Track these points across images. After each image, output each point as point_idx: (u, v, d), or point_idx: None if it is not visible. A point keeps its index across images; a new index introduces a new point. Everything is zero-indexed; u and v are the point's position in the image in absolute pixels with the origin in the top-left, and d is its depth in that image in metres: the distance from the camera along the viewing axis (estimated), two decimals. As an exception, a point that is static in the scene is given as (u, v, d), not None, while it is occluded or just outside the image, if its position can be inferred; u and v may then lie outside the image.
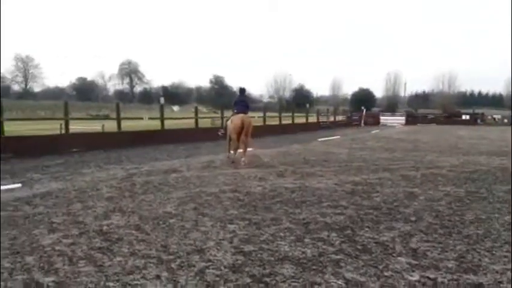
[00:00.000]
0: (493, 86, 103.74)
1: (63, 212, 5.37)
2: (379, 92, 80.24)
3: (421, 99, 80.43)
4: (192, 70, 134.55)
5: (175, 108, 71.88)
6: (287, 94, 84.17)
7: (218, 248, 4.01)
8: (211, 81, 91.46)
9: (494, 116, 47.05)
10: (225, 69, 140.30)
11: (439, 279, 3.25)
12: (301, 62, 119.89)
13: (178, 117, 24.94)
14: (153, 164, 10.20)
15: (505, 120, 44.51)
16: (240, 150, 10.46)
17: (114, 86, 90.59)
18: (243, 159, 10.09)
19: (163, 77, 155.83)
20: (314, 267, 3.52)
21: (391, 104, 69.43)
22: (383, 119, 44.82)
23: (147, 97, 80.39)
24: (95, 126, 22.05)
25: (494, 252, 3.88)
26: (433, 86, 79.63)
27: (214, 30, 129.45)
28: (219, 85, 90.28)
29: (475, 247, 4.02)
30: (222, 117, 24.12)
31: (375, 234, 4.46)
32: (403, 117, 45.54)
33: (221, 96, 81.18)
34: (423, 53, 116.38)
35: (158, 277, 3.33)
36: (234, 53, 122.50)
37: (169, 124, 19.83)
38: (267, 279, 3.26)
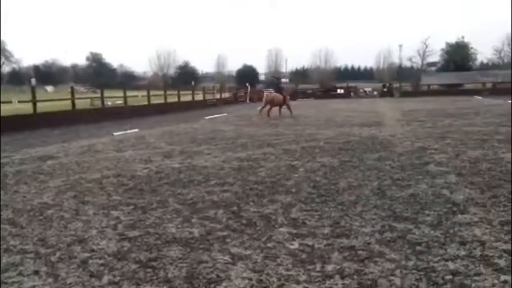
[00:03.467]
0: (365, 61, 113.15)
1: None
2: (262, 69, 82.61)
3: (301, 74, 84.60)
4: (66, 47, 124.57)
5: (49, 88, 66.48)
6: (171, 71, 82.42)
7: (101, 236, 3.86)
8: (88, 59, 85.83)
9: (366, 89, 51.60)
10: (103, 45, 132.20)
11: (316, 245, 3.52)
12: (185, 39, 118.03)
13: (53, 99, 23.10)
14: (26, 151, 9.37)
15: (375, 93, 49.14)
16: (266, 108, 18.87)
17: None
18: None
19: (34, 56, 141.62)
20: (201, 246, 3.58)
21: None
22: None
23: (17, 78, 72.43)
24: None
25: (363, 216, 4.30)
26: (311, 61, 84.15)
27: (89, 3, 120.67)
28: (97, 63, 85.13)
29: (347, 213, 4.41)
30: (103, 98, 22.95)
31: (259, 207, 4.66)
32: (285, 93, 47.26)
33: (100, 74, 76.79)
34: (302, 29, 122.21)
35: (37, 272, 3.13)
36: (112, 28, 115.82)
37: (42, 107, 18.29)
38: (154, 263, 3.24)
